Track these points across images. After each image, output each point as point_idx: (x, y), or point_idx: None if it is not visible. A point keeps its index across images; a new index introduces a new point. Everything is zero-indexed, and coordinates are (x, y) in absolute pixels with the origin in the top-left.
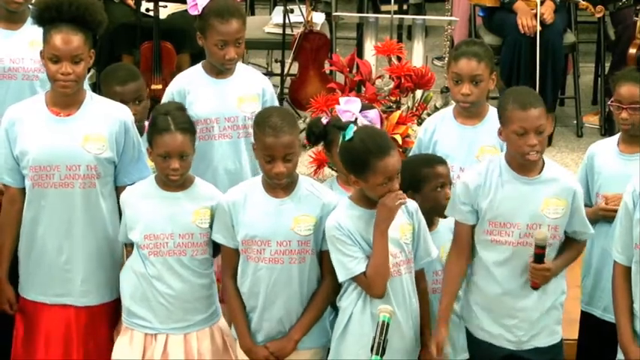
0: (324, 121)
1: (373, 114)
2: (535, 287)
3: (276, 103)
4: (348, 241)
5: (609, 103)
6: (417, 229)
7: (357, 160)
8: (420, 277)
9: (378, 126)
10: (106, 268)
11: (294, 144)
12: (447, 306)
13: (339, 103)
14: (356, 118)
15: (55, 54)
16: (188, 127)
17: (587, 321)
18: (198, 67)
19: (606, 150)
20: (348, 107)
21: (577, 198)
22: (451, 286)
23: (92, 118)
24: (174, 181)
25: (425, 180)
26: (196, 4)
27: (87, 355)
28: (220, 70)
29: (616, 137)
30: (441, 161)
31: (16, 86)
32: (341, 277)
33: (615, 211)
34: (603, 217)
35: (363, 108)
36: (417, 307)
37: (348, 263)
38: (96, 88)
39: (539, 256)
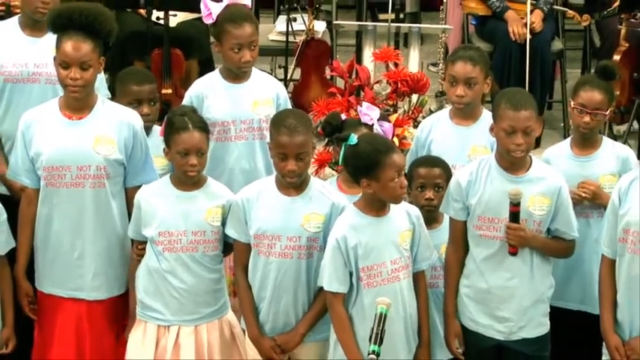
0: (343, 116)
1: (387, 125)
2: (513, 253)
3: (289, 106)
4: (342, 259)
5: (571, 107)
6: (417, 234)
7: (368, 160)
8: (419, 278)
9: (389, 137)
10: (116, 263)
11: (307, 144)
12: (451, 299)
13: (340, 106)
14: (373, 124)
15: (64, 60)
16: (203, 126)
17: (557, 315)
18: (216, 72)
19: (560, 154)
20: (369, 112)
21: (562, 196)
22: (452, 279)
23: (103, 122)
24: (191, 177)
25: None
26: (211, 13)
27: (98, 346)
28: (236, 75)
29: (567, 141)
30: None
31: (39, 89)
32: (320, 282)
33: (578, 195)
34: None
35: (381, 118)
36: (413, 310)
37: (330, 276)
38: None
39: (514, 215)
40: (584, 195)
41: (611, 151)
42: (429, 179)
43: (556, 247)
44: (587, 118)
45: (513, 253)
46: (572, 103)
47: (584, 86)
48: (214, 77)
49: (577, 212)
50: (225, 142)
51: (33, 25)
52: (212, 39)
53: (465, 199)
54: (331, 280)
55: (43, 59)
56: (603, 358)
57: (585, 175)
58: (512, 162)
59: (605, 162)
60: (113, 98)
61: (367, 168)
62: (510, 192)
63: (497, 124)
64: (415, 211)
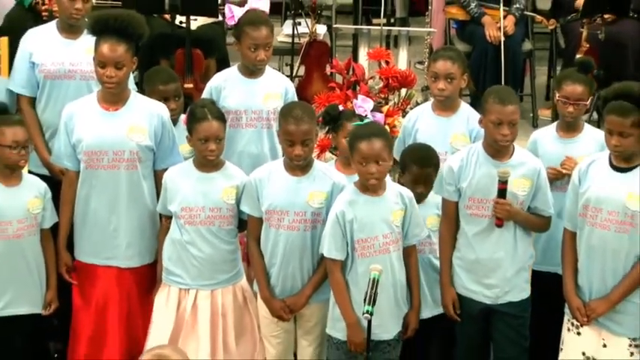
0: (340, 108)
1: (379, 116)
2: (499, 225)
3: (297, 99)
4: (340, 231)
5: (556, 98)
6: (408, 214)
7: (349, 144)
8: (410, 252)
9: None
10: (146, 236)
11: (311, 132)
12: (446, 270)
13: (339, 99)
14: (366, 115)
15: (101, 60)
16: (221, 116)
17: (539, 279)
18: (234, 68)
19: (546, 136)
20: (363, 105)
21: (541, 178)
22: (446, 253)
23: (135, 113)
24: (210, 161)
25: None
26: (234, 16)
27: (130, 305)
28: (252, 71)
29: (554, 125)
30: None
31: (75, 85)
32: (321, 249)
33: (559, 172)
34: (551, 177)
35: (373, 109)
36: (402, 277)
37: (329, 245)
38: (138, 86)
39: (501, 192)
40: (564, 171)
41: (591, 135)
42: (421, 177)
43: (536, 222)
44: (570, 108)
45: (499, 225)
46: (557, 95)
47: (567, 80)
48: (233, 72)
49: (556, 187)
50: (237, 128)
51: (69, 29)
52: (232, 39)
53: (456, 183)
54: (330, 248)
55: (78, 58)
56: (565, 317)
57: (568, 155)
58: (497, 150)
59: (585, 144)
60: (142, 93)
61: (350, 152)
62: (499, 171)
63: (485, 117)
64: (408, 194)
